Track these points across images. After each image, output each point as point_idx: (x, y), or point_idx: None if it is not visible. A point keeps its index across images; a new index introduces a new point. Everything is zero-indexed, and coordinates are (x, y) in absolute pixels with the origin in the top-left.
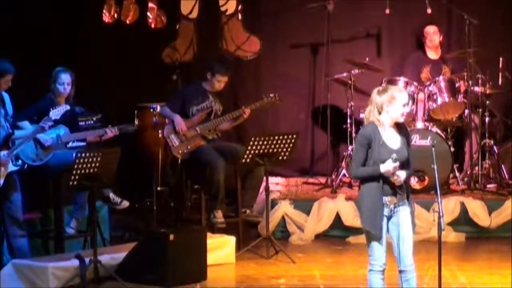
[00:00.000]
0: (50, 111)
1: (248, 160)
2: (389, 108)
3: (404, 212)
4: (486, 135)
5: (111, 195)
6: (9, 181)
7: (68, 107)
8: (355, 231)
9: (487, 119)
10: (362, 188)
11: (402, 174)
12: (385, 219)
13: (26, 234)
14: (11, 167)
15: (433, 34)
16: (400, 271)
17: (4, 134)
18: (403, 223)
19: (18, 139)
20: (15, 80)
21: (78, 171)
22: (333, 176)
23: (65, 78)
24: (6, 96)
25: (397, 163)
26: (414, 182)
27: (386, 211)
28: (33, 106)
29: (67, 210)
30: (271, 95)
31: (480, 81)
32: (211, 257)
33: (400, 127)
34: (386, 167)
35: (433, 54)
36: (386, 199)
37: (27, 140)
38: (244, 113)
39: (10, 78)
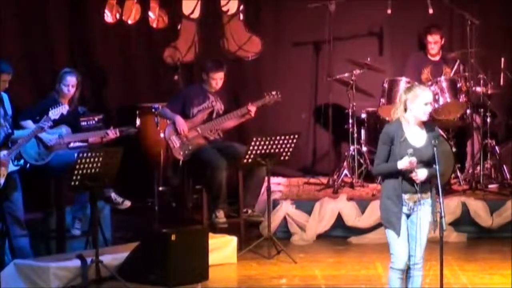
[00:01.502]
0: (49, 110)
1: (249, 160)
2: (411, 106)
3: (424, 211)
4: (488, 135)
5: (113, 195)
6: (9, 181)
7: (67, 107)
8: (357, 231)
9: (488, 119)
10: (383, 185)
11: (422, 172)
12: (404, 217)
13: (27, 234)
14: (11, 167)
15: (434, 44)
16: (408, 267)
17: (4, 134)
18: (419, 221)
19: (18, 139)
20: (16, 80)
21: (80, 171)
22: (335, 176)
23: (70, 80)
24: (5, 96)
25: (414, 158)
26: None
27: (406, 209)
28: (36, 106)
29: (71, 210)
30: (273, 92)
31: (481, 81)
32: (213, 257)
33: (429, 127)
34: (403, 163)
35: (433, 55)
36: (406, 196)
37: (27, 140)
38: (250, 111)
39: (8, 78)
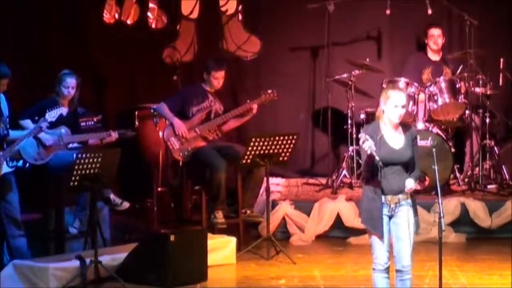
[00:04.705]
0: (46, 112)
1: (248, 160)
2: (384, 107)
3: (405, 212)
4: (487, 135)
5: (112, 196)
6: (4, 182)
7: (65, 109)
8: (356, 231)
9: (487, 119)
10: (364, 188)
11: (409, 182)
12: (386, 218)
13: (25, 234)
14: (5, 169)
15: (437, 37)
16: (397, 271)
17: None
18: (403, 223)
19: (14, 140)
20: (14, 81)
21: (79, 172)
22: (334, 177)
23: (70, 82)
24: (1, 97)
25: (366, 137)
26: None
27: (386, 210)
28: (36, 106)
29: (70, 210)
30: (269, 91)
31: (480, 81)
32: (212, 258)
33: (406, 128)
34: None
35: (434, 55)
36: (387, 198)
37: (23, 141)
38: (252, 108)
39: (7, 82)
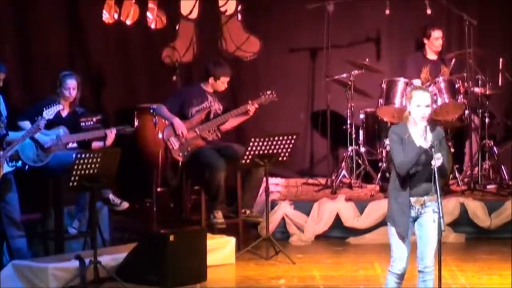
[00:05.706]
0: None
1: (248, 161)
2: (409, 107)
3: (431, 213)
4: (486, 136)
5: (111, 196)
6: (4, 182)
7: (61, 106)
8: (355, 232)
9: (487, 120)
10: (390, 188)
11: (438, 155)
12: (411, 219)
13: (24, 234)
14: (6, 168)
15: (438, 40)
16: (419, 271)
17: None
18: (428, 224)
19: (13, 140)
20: (13, 81)
21: (78, 172)
22: (333, 177)
23: (71, 83)
24: None
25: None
26: None
27: (412, 212)
28: (35, 107)
29: (69, 210)
30: (268, 92)
31: (480, 81)
32: (211, 258)
33: (433, 127)
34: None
35: (432, 55)
36: (413, 200)
37: (22, 140)
38: (249, 110)
39: (3, 77)
